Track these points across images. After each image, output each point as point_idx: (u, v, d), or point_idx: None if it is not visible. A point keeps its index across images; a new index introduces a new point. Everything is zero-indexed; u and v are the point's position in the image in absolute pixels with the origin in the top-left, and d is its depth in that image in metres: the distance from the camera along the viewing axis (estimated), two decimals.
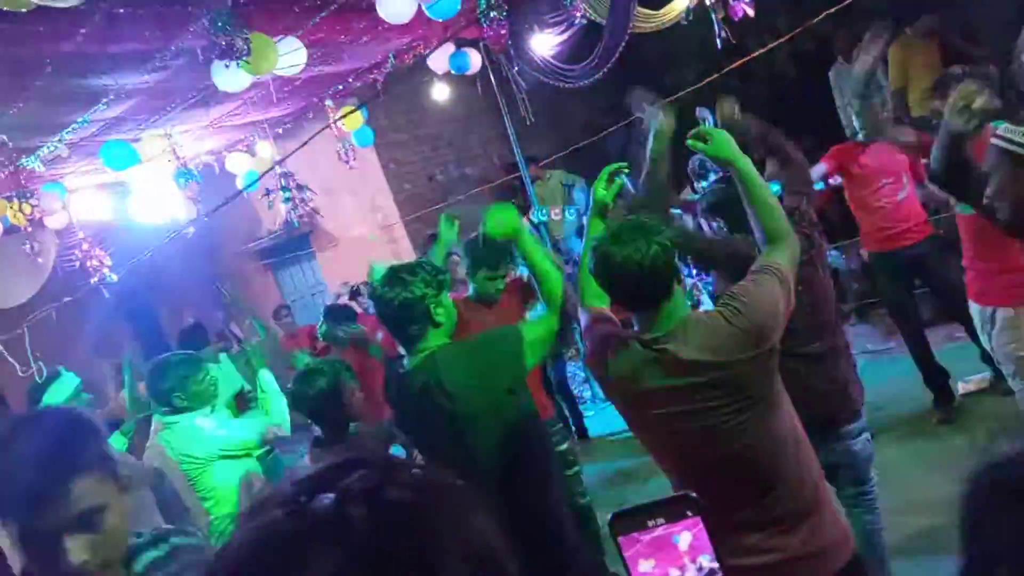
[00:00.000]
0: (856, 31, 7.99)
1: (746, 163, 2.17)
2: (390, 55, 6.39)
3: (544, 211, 7.30)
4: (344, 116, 6.43)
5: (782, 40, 6.58)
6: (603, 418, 6.52)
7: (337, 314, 5.90)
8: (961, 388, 4.68)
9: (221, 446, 3.46)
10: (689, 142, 2.25)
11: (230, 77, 4.49)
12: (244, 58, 4.27)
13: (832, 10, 6.14)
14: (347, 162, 7.17)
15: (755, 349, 1.94)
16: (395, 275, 2.48)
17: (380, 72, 6.61)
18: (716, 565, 0.95)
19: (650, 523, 0.95)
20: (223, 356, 5.11)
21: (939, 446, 4.32)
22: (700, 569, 0.95)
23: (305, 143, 5.59)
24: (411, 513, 0.65)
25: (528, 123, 6.84)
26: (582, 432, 6.24)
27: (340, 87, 6.92)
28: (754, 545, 2.00)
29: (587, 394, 7.25)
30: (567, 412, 6.21)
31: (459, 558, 0.64)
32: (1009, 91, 3.23)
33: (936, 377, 4.66)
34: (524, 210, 7.65)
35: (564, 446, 3.88)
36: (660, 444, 2.14)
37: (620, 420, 6.36)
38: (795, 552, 1.99)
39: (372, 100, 7.14)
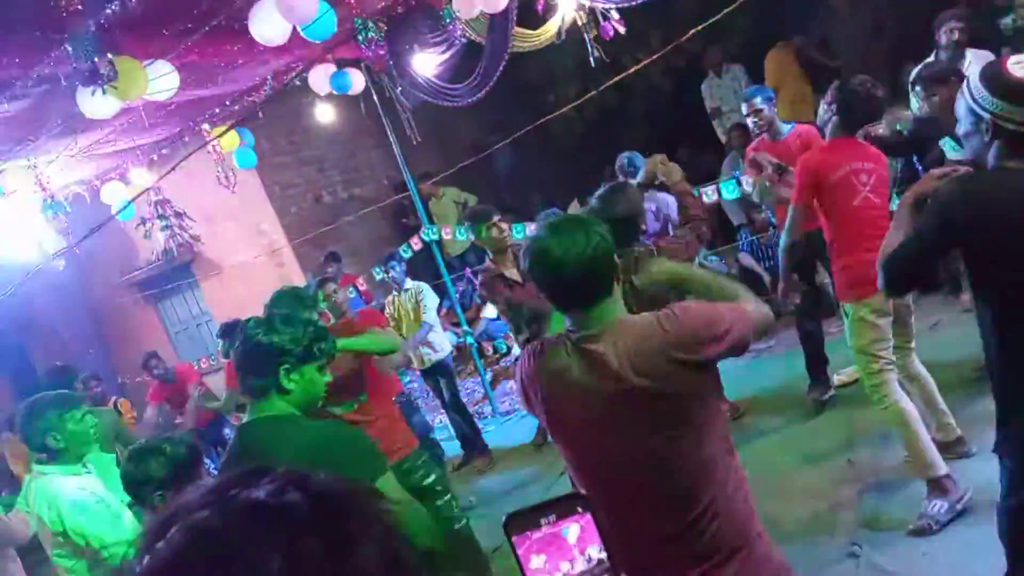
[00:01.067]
0: (725, 47, 8.45)
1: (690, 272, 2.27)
2: (268, 77, 6.28)
3: (435, 229, 7.30)
4: (219, 136, 6.26)
5: (654, 57, 6.82)
6: (503, 431, 6.57)
7: (233, 331, 5.83)
8: (836, 379, 4.96)
9: (71, 529, 3.08)
10: None
11: (97, 103, 4.30)
12: (110, 83, 4.11)
13: (700, 28, 6.43)
14: (228, 187, 6.97)
15: (685, 358, 1.81)
16: (270, 318, 2.29)
17: (259, 94, 6.48)
18: (604, 555, 0.98)
19: (542, 521, 0.98)
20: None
21: (812, 435, 4.58)
22: (589, 560, 0.98)
23: (174, 167, 5.40)
24: (337, 499, 0.67)
25: (415, 142, 6.84)
26: (482, 447, 6.25)
27: (217, 111, 6.74)
28: None
29: (487, 409, 7.28)
30: (464, 428, 6.22)
31: (377, 546, 0.66)
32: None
33: (817, 363, 4.91)
34: (415, 229, 7.63)
35: (431, 479, 3.75)
36: (580, 455, 1.97)
37: (519, 434, 6.37)
38: None
39: (251, 122, 6.98)
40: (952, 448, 3.65)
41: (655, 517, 1.87)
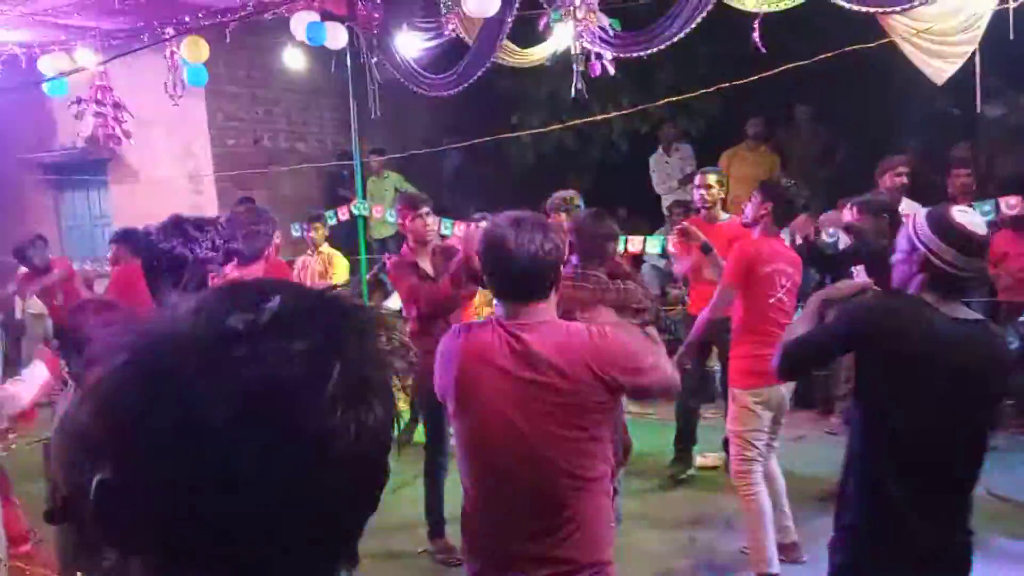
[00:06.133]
0: (680, 126, 8.71)
1: None
2: (250, 3, 6.14)
3: (367, 205, 7.22)
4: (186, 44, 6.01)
5: (618, 113, 7.02)
6: None
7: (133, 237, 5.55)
8: (699, 460, 5.15)
9: None
10: None
11: None
12: None
13: (668, 100, 6.67)
14: (174, 98, 6.74)
15: (599, 373, 1.90)
16: (178, 225, 2.22)
17: (234, 16, 6.31)
18: None
19: None
20: None
21: (663, 506, 4.75)
22: None
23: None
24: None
25: (372, 117, 6.78)
26: None
27: (187, 19, 6.53)
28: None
29: None
30: None
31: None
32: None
33: (685, 439, 5.09)
34: (346, 201, 7.53)
35: None
36: (476, 429, 2.02)
37: None
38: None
39: (215, 43, 6.79)
40: (786, 551, 3.84)
41: (527, 509, 1.95)
